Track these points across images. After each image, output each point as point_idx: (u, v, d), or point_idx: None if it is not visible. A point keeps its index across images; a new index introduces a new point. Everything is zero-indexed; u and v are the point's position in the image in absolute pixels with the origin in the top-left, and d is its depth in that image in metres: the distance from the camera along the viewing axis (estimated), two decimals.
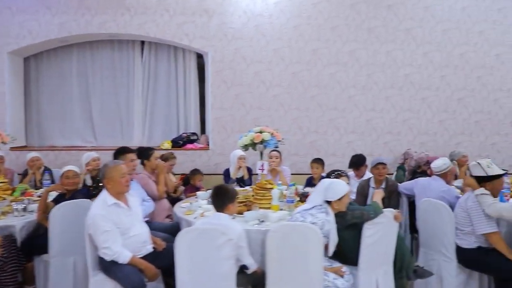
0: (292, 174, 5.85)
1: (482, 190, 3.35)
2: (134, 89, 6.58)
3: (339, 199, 3.01)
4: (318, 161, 5.40)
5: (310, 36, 6.25)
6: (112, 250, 2.92)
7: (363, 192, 4.66)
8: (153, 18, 6.03)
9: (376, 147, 6.43)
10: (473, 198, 3.39)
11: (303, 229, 2.86)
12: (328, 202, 3.03)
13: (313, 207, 3.02)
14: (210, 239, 2.74)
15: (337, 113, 6.36)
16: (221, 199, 2.99)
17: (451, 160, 6.03)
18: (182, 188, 5.37)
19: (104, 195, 3.07)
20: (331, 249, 2.98)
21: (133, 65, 6.58)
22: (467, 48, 6.52)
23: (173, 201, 4.68)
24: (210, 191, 4.52)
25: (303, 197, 4.45)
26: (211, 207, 3.90)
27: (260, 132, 4.33)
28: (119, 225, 3.00)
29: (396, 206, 4.50)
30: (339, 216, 3.15)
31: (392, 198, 4.50)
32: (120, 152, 3.96)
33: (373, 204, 3.26)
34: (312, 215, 2.94)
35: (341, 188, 3.04)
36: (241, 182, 5.35)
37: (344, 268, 3.12)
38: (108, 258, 2.94)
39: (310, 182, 5.21)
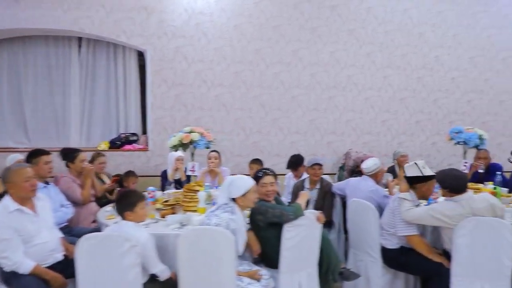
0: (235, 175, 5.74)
1: (405, 194, 3.35)
2: (70, 88, 6.26)
3: (244, 195, 2.93)
4: (257, 162, 5.33)
5: (252, 35, 6.17)
6: (12, 259, 2.71)
7: (297, 193, 4.58)
8: (88, 14, 5.77)
9: (319, 147, 6.42)
10: (398, 200, 3.39)
11: (214, 233, 2.74)
12: (234, 200, 2.94)
13: (218, 208, 2.92)
14: (112, 246, 2.58)
15: (280, 113, 6.30)
16: (119, 206, 2.83)
17: (393, 159, 6.13)
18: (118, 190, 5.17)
19: (6, 201, 2.85)
20: (240, 249, 2.89)
21: (70, 62, 6.26)
22: (408, 49, 6.61)
23: (108, 203, 4.48)
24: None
25: None
26: None
27: (190, 132, 4.22)
28: (21, 233, 2.78)
29: (330, 206, 4.48)
30: (261, 213, 3.09)
31: (326, 199, 4.47)
32: (34, 154, 3.72)
33: (294, 206, 3.19)
34: (216, 216, 2.84)
35: (244, 184, 2.96)
36: (178, 184, 5.19)
37: (264, 272, 3.04)
38: (7, 268, 2.73)
39: None
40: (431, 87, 6.74)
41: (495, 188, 4.22)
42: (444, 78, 6.77)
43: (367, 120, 6.55)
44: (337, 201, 4.52)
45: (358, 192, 3.98)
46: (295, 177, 5.11)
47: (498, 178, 4.97)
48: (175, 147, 4.23)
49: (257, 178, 3.26)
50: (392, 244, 3.44)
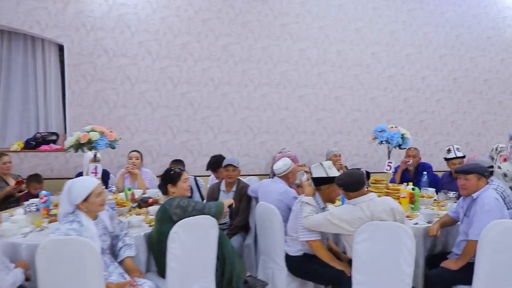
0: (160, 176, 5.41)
1: (309, 198, 3.13)
2: None
3: (86, 200, 2.61)
4: (178, 162, 5.02)
5: (179, 29, 5.83)
6: None
7: (213, 196, 4.32)
8: None
9: (252, 147, 6.16)
10: (300, 203, 3.16)
11: (77, 244, 2.41)
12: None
13: (62, 220, 2.60)
14: None
15: (210, 111, 5.99)
16: None
17: (326, 159, 5.94)
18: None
19: None
20: None
21: None
22: (344, 45, 6.44)
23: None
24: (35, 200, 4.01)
25: (143, 203, 4.06)
26: (21, 218, 3.43)
27: (89, 132, 3.88)
28: None
29: (245, 210, 4.21)
30: (181, 206, 2.91)
31: (242, 202, 4.19)
32: None
33: (218, 203, 3.06)
34: (58, 229, 2.53)
35: (83, 187, 2.64)
36: None
37: (149, 283, 2.72)
38: None
39: None
40: (368, 84, 6.59)
41: (413, 189, 4.06)
42: (382, 75, 6.64)
43: (302, 118, 6.32)
44: (254, 204, 4.25)
45: (269, 195, 3.73)
46: (217, 179, 4.82)
47: (424, 178, 4.85)
48: (72, 148, 3.87)
49: (176, 175, 3.12)
50: (295, 250, 3.22)
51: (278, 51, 6.18)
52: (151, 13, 5.74)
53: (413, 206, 4.00)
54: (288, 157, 4.14)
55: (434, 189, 4.73)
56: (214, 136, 6.02)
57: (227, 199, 3.48)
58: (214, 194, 4.31)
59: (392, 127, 4.56)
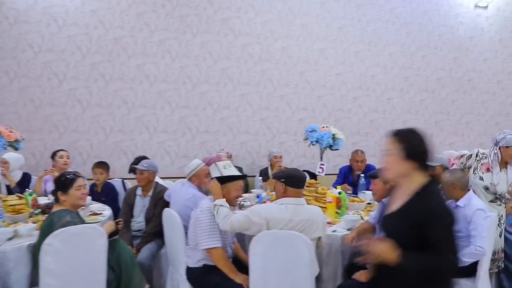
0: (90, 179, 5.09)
1: (221, 201, 2.85)
2: None
3: None
4: (102, 166, 4.70)
5: (111, 22, 5.51)
6: None
7: (128, 200, 4.02)
8: None
9: (191, 148, 5.86)
10: (202, 207, 2.89)
11: None
12: None
13: None
14: None
15: (145, 110, 5.67)
16: None
17: (268, 160, 5.70)
18: None
19: None
20: None
21: None
22: (289, 41, 6.19)
23: None
24: None
25: (47, 209, 3.73)
26: None
27: None
28: None
29: (160, 215, 3.89)
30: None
31: (157, 207, 3.88)
32: None
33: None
34: None
35: None
36: (9, 192, 4.47)
37: None
38: None
39: (92, 190, 4.51)
40: (315, 82, 6.35)
41: (340, 193, 3.83)
42: (329, 73, 6.41)
43: (244, 118, 6.05)
44: None
45: (178, 200, 3.47)
46: None
47: (362, 180, 4.63)
48: None
49: (68, 181, 2.82)
50: (194, 261, 2.94)
51: (219, 47, 5.90)
52: (80, 5, 5.40)
53: (338, 211, 3.77)
54: (209, 159, 3.86)
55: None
56: (150, 136, 5.71)
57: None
58: (130, 198, 4.01)
59: (323, 127, 4.33)
